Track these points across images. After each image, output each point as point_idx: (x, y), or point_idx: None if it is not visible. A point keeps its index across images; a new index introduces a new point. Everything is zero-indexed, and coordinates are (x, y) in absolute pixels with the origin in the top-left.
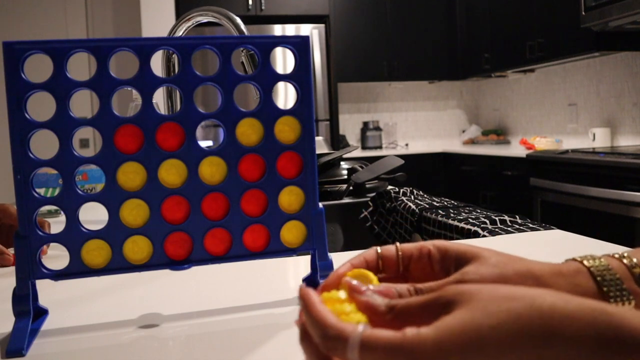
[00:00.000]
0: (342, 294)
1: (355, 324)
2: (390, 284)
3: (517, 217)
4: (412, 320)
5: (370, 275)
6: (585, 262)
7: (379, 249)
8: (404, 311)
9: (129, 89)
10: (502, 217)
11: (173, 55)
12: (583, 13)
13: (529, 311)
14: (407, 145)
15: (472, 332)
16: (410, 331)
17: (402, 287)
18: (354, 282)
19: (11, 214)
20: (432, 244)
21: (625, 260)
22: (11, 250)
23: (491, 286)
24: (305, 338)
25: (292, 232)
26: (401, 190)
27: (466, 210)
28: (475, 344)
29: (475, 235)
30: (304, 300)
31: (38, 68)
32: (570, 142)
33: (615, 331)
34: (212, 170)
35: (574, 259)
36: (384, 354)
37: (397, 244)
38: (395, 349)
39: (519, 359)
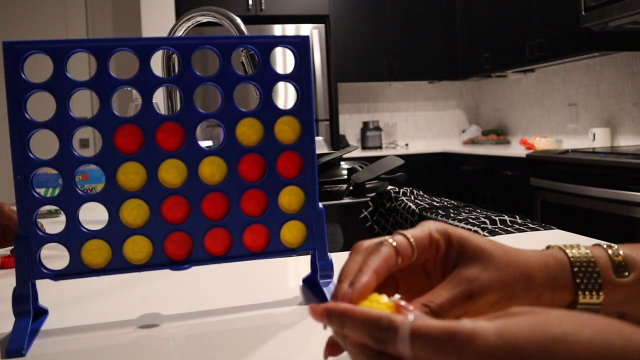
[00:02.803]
0: (384, 298)
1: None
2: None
3: (517, 217)
4: None
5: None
6: (568, 252)
7: (394, 242)
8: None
9: (129, 89)
10: (502, 217)
11: (173, 55)
12: (583, 13)
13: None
14: (407, 145)
15: (540, 334)
16: (467, 321)
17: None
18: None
19: (4, 214)
20: (439, 234)
21: (610, 250)
22: (6, 251)
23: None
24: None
25: (292, 232)
26: (401, 190)
27: (466, 210)
28: (545, 346)
29: None
30: (340, 313)
31: (38, 68)
32: (570, 142)
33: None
34: (212, 170)
35: (560, 248)
36: (437, 344)
37: (408, 235)
38: (449, 337)
39: None
